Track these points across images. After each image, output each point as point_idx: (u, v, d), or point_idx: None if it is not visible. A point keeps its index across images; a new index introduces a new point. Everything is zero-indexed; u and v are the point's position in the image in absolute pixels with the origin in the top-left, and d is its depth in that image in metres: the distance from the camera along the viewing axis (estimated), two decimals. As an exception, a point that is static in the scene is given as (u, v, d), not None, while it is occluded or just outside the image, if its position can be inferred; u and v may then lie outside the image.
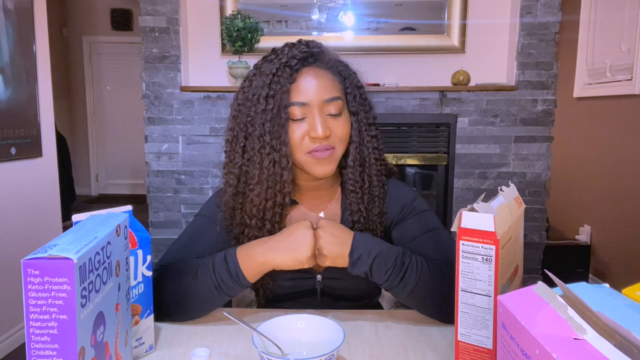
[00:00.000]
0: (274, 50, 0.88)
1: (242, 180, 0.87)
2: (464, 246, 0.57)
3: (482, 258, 0.55)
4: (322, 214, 0.96)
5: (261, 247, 0.80)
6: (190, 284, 0.81)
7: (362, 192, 0.89)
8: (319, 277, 0.93)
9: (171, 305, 0.83)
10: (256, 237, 0.86)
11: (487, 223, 0.55)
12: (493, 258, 0.55)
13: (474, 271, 0.57)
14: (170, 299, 0.82)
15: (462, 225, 0.57)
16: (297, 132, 0.83)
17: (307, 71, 0.84)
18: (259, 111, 0.83)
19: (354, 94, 0.89)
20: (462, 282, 0.58)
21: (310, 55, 0.85)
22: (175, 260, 0.89)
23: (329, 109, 0.83)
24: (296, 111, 0.82)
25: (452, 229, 0.59)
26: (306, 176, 0.89)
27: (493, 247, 0.55)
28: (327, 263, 0.79)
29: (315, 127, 0.81)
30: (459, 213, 0.58)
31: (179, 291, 0.82)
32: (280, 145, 0.82)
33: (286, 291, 0.94)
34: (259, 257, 0.79)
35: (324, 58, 0.86)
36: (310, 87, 0.83)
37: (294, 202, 0.94)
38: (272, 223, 0.86)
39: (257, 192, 0.85)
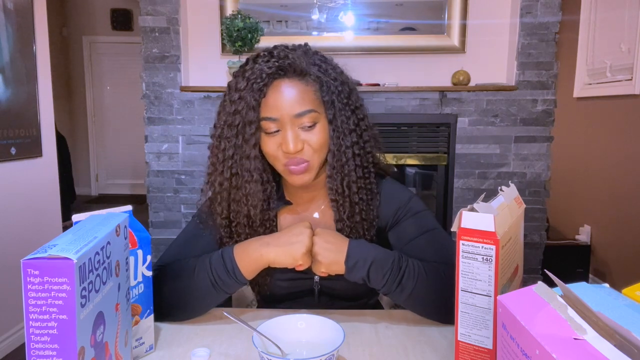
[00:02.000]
0: (247, 60, 0.87)
1: (212, 189, 0.89)
2: (464, 246, 0.57)
3: (482, 258, 0.55)
4: (316, 215, 0.95)
5: (257, 243, 0.81)
6: (188, 282, 0.82)
7: (342, 199, 0.88)
8: (316, 277, 0.93)
9: (171, 304, 0.83)
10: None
11: (487, 223, 0.55)
12: (493, 258, 0.55)
13: (474, 271, 0.56)
14: (169, 297, 0.83)
15: (462, 225, 0.57)
16: (271, 144, 0.84)
17: (277, 84, 0.82)
18: (225, 126, 0.84)
19: (331, 100, 0.85)
20: (462, 282, 0.58)
21: (279, 69, 0.82)
22: (173, 260, 0.90)
23: (302, 122, 0.83)
24: (269, 125, 0.83)
25: (452, 229, 0.59)
26: None
27: (493, 247, 0.54)
28: (322, 269, 0.80)
29: (287, 143, 0.82)
30: (459, 213, 0.57)
31: (178, 290, 0.83)
32: (244, 160, 0.84)
33: (284, 291, 0.94)
34: (254, 253, 0.79)
35: (297, 68, 0.83)
36: (281, 101, 0.82)
37: (287, 203, 0.94)
38: (244, 234, 0.88)
39: (219, 202, 0.87)
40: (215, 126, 0.88)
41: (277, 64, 0.83)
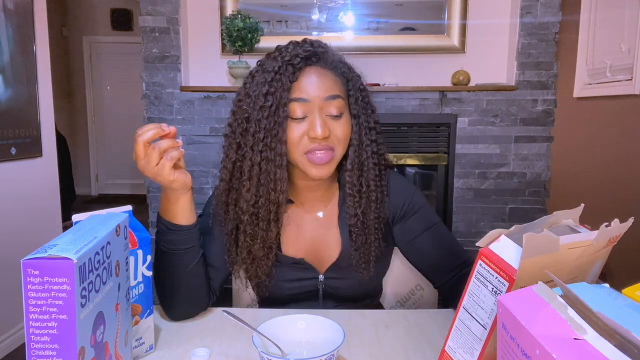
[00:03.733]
0: (277, 47, 0.88)
1: (235, 176, 0.86)
2: (480, 267, 0.53)
3: (492, 289, 0.51)
4: (320, 214, 0.96)
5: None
6: (159, 271, 0.83)
7: (359, 195, 0.89)
8: (321, 277, 0.93)
9: (166, 299, 0.85)
10: (251, 235, 0.86)
11: (512, 256, 0.49)
12: (503, 294, 0.49)
13: (480, 297, 0.53)
14: (164, 294, 0.85)
15: (489, 246, 0.52)
16: (296, 131, 0.82)
17: (309, 70, 0.84)
18: (257, 108, 0.82)
19: (356, 96, 0.88)
20: (466, 300, 0.55)
21: (313, 55, 0.84)
22: None
23: (330, 109, 0.83)
24: (296, 109, 0.81)
25: (477, 244, 0.54)
26: (303, 175, 0.87)
27: (507, 283, 0.49)
28: None
29: (315, 127, 0.81)
30: (493, 233, 0.53)
31: (164, 285, 0.84)
32: (276, 143, 0.82)
33: (288, 292, 0.94)
34: (162, 196, 0.80)
35: (328, 58, 0.86)
36: (312, 84, 0.82)
37: (289, 202, 0.93)
38: (266, 221, 0.86)
39: (248, 188, 0.84)
40: (235, 112, 0.86)
41: (311, 49, 0.85)
